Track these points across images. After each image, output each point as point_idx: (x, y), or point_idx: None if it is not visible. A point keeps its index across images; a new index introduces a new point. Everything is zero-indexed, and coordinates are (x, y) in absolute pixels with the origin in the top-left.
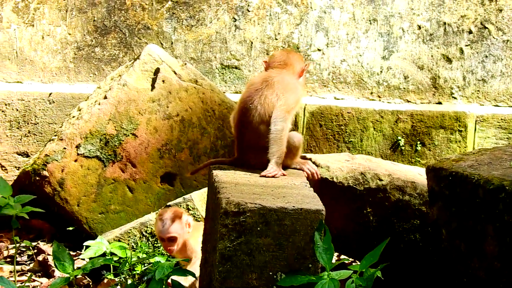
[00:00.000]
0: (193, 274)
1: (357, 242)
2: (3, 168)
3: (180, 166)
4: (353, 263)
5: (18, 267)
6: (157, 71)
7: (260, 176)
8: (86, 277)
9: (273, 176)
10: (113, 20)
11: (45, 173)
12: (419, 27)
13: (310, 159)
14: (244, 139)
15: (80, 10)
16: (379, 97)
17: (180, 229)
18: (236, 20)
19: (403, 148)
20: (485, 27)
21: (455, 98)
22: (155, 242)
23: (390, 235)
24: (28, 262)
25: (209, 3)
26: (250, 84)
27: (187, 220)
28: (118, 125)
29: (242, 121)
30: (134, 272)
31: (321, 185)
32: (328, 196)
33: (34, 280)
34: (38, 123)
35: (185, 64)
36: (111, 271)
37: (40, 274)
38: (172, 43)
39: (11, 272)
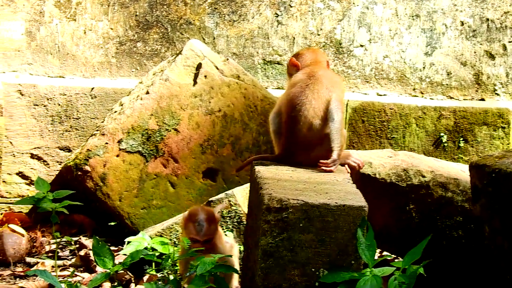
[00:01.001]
0: (235, 270)
1: (399, 239)
2: (45, 163)
3: (222, 162)
4: (396, 260)
5: (60, 262)
6: (199, 66)
7: (319, 164)
8: (127, 272)
9: (328, 171)
10: (155, 15)
11: (87, 168)
12: (462, 23)
13: None
14: (294, 135)
15: (122, 5)
16: (421, 93)
17: (215, 229)
18: (278, 15)
19: (445, 144)
20: None
21: (498, 94)
22: None
23: (432, 232)
24: (70, 257)
25: None
26: (295, 82)
27: (218, 218)
28: (160, 120)
29: (293, 116)
30: (176, 268)
31: (363, 181)
32: (371, 193)
33: (76, 275)
34: (80, 118)
35: (227, 59)
36: (153, 267)
37: (82, 269)
38: (214, 38)
39: (52, 267)
